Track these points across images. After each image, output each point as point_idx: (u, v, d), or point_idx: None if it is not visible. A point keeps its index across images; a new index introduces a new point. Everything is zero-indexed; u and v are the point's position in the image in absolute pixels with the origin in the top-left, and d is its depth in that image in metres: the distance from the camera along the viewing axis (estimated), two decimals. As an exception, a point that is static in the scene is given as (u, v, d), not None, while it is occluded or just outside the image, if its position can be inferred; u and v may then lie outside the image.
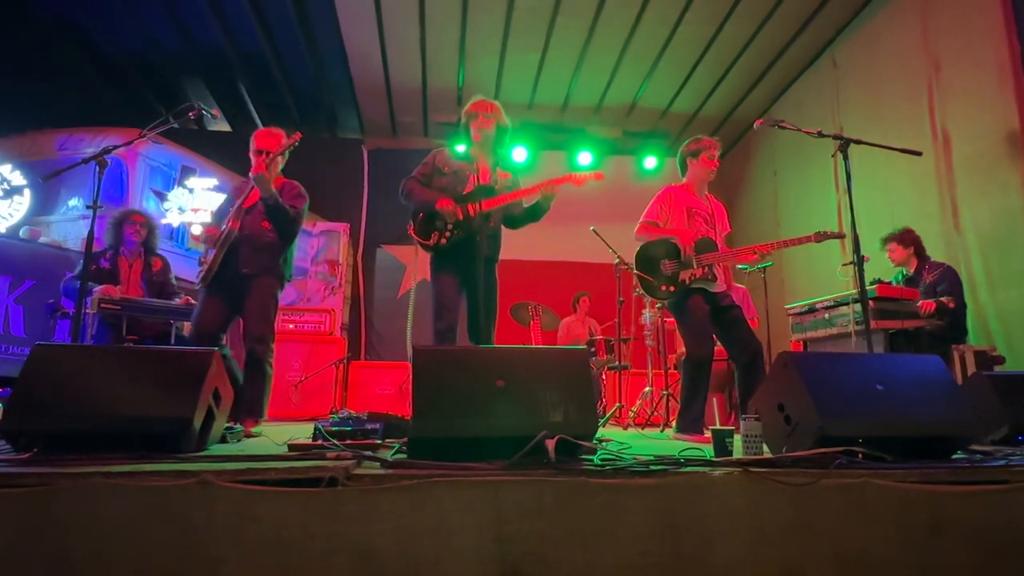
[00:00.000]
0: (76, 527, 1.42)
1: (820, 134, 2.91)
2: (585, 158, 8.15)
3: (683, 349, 5.07)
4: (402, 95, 7.64)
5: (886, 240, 4.32)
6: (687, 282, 3.24)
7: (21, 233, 5.62)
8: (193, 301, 4.13)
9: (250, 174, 3.12)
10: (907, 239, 4.25)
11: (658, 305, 5.00)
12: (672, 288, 3.26)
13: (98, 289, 3.89)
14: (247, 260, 3.16)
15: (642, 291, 3.44)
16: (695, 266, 3.23)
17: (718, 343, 3.34)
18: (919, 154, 2.84)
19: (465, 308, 3.14)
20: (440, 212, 3.03)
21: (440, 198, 3.06)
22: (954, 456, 1.95)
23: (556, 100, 7.75)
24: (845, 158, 2.76)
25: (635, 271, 3.39)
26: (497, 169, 3.20)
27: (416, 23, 6.26)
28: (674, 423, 4.58)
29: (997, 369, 3.81)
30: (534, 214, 3.25)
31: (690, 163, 3.44)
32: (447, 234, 3.07)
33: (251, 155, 3.28)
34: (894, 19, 5.45)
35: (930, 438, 1.91)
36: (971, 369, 3.72)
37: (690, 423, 3.15)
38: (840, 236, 3.11)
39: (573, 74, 7.15)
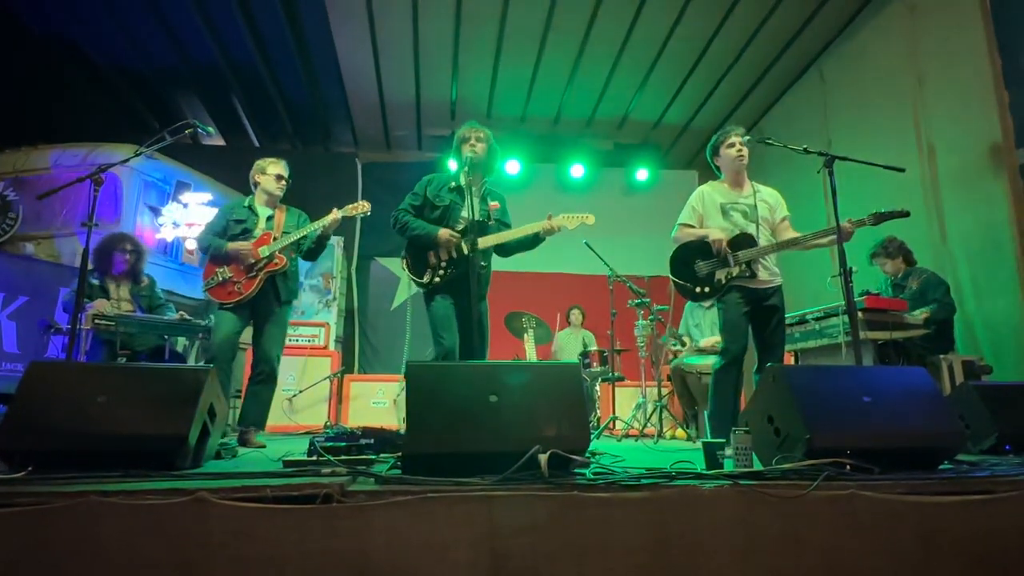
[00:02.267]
0: (72, 546, 1.42)
1: (806, 151, 2.94)
2: (577, 170, 8.20)
3: (680, 360, 5.10)
4: (396, 109, 7.69)
5: (873, 256, 4.38)
6: (724, 281, 3.14)
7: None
8: (188, 317, 4.14)
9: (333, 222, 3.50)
10: (891, 249, 4.32)
11: (651, 317, 5.04)
12: (707, 290, 3.17)
13: (92, 305, 3.89)
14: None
15: (680, 294, 3.34)
16: (732, 264, 3.13)
17: None
18: (902, 170, 2.88)
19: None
20: (440, 242, 3.08)
21: (439, 229, 3.12)
22: (940, 467, 1.99)
23: (548, 113, 7.82)
24: (830, 174, 2.79)
25: (671, 276, 3.30)
26: (487, 200, 3.27)
27: (409, 38, 6.32)
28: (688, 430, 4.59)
29: (984, 379, 3.85)
30: (528, 247, 3.30)
31: (716, 160, 3.38)
32: (441, 271, 3.12)
33: (266, 178, 3.60)
34: (880, 33, 5.55)
35: (917, 449, 1.95)
36: (959, 379, 3.76)
37: (720, 428, 3.00)
38: (904, 215, 2.92)
39: (565, 88, 7.22)
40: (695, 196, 3.37)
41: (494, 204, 3.31)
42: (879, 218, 2.92)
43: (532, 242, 3.26)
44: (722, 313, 3.17)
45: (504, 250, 3.31)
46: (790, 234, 3.29)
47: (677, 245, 3.32)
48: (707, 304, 4.19)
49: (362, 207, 3.53)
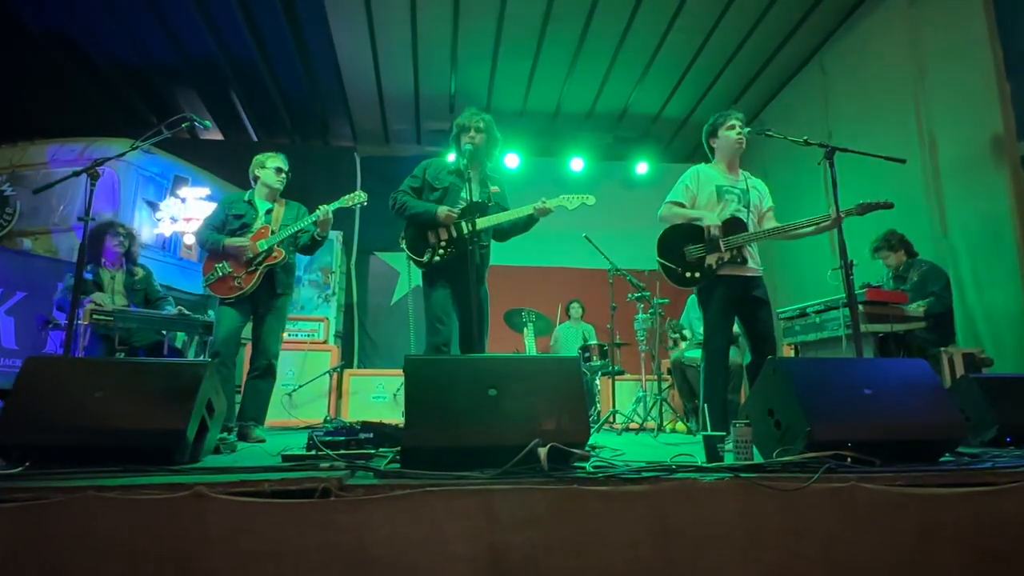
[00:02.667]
0: (70, 541, 1.42)
1: (806, 143, 2.92)
2: (577, 164, 8.17)
3: (680, 354, 5.09)
4: (394, 103, 7.66)
5: (875, 250, 4.36)
6: (714, 267, 3.05)
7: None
8: (186, 311, 4.13)
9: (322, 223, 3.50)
10: (893, 242, 4.30)
11: (651, 310, 5.03)
12: (697, 275, 3.07)
13: (89, 299, 3.88)
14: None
15: (666, 278, 3.20)
16: (722, 249, 3.04)
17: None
18: (903, 161, 2.87)
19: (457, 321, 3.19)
20: (440, 219, 3.08)
21: (438, 206, 3.12)
22: (942, 459, 1.98)
23: (548, 107, 7.79)
24: (831, 165, 2.78)
25: (657, 259, 3.18)
26: (487, 183, 3.25)
27: (408, 31, 6.29)
28: (688, 423, 4.58)
29: (986, 371, 3.84)
30: (524, 228, 3.30)
31: (712, 142, 3.30)
32: (440, 252, 3.11)
33: (267, 171, 3.60)
34: (880, 25, 5.52)
35: (917, 441, 1.94)
36: (960, 371, 3.75)
37: (716, 422, 2.93)
38: (889, 206, 2.92)
39: (564, 81, 7.19)
40: (690, 175, 3.26)
41: (494, 188, 3.31)
42: (865, 208, 2.92)
43: (526, 224, 3.26)
44: (708, 305, 3.09)
45: (501, 233, 3.32)
46: (774, 223, 3.25)
47: (666, 226, 3.22)
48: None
49: (357, 197, 3.52)
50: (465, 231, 3.03)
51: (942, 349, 3.88)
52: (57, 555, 1.41)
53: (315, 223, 3.48)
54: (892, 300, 3.89)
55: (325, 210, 3.44)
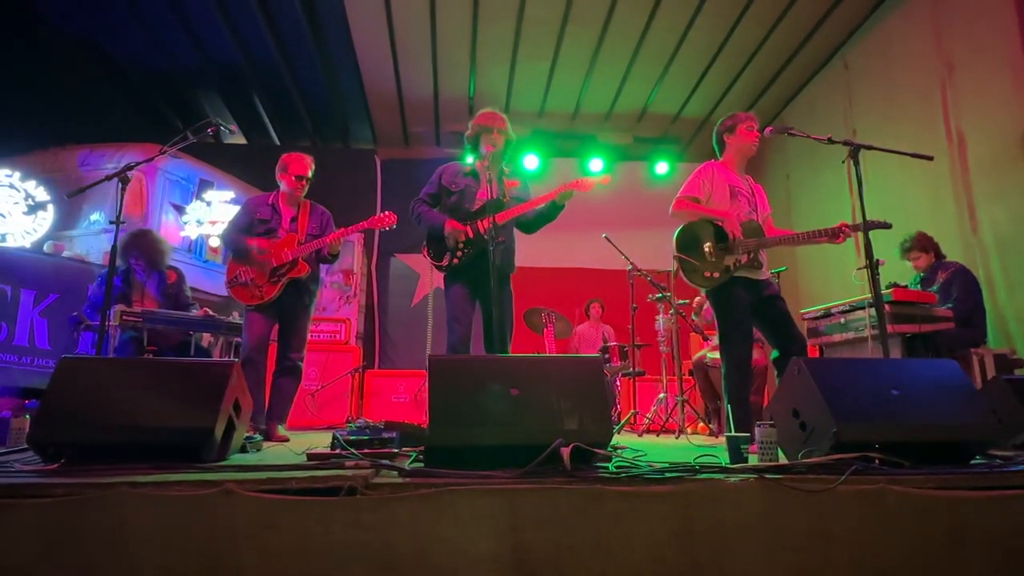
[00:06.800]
0: (103, 536, 1.45)
1: (830, 140, 2.87)
2: (596, 165, 8.16)
3: (703, 354, 5.05)
4: (414, 106, 7.72)
5: (907, 250, 4.26)
6: (732, 268, 2.99)
7: (45, 247, 5.74)
8: (211, 312, 4.20)
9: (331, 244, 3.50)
10: (926, 244, 4.22)
11: (671, 311, 5.00)
12: (716, 274, 2.99)
13: (117, 307, 3.96)
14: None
15: (683, 275, 3.10)
16: (740, 252, 2.99)
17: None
18: (930, 158, 2.81)
19: (479, 320, 3.18)
20: (448, 234, 3.09)
21: (447, 220, 3.12)
22: (973, 461, 1.94)
23: (567, 107, 7.78)
24: (856, 164, 2.73)
25: (676, 253, 3.08)
26: (504, 179, 3.22)
27: (427, 34, 6.34)
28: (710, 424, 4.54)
29: (1017, 372, 3.76)
30: (549, 216, 3.24)
31: (727, 139, 3.21)
32: (459, 254, 3.13)
33: (287, 177, 3.59)
34: (906, 21, 5.43)
35: (948, 443, 1.90)
36: (991, 372, 3.67)
37: (739, 424, 2.86)
38: (887, 226, 2.89)
39: (583, 81, 7.18)
40: (704, 171, 3.18)
41: (512, 183, 3.25)
42: (868, 225, 2.85)
43: (551, 210, 3.19)
44: (726, 310, 3.01)
45: (527, 225, 3.28)
46: (775, 230, 3.23)
47: (683, 223, 3.12)
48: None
49: (388, 220, 3.51)
50: (483, 230, 3.03)
51: (972, 350, 3.80)
52: (91, 549, 1.44)
53: (333, 242, 3.51)
54: (919, 300, 3.81)
55: (337, 244, 3.54)
